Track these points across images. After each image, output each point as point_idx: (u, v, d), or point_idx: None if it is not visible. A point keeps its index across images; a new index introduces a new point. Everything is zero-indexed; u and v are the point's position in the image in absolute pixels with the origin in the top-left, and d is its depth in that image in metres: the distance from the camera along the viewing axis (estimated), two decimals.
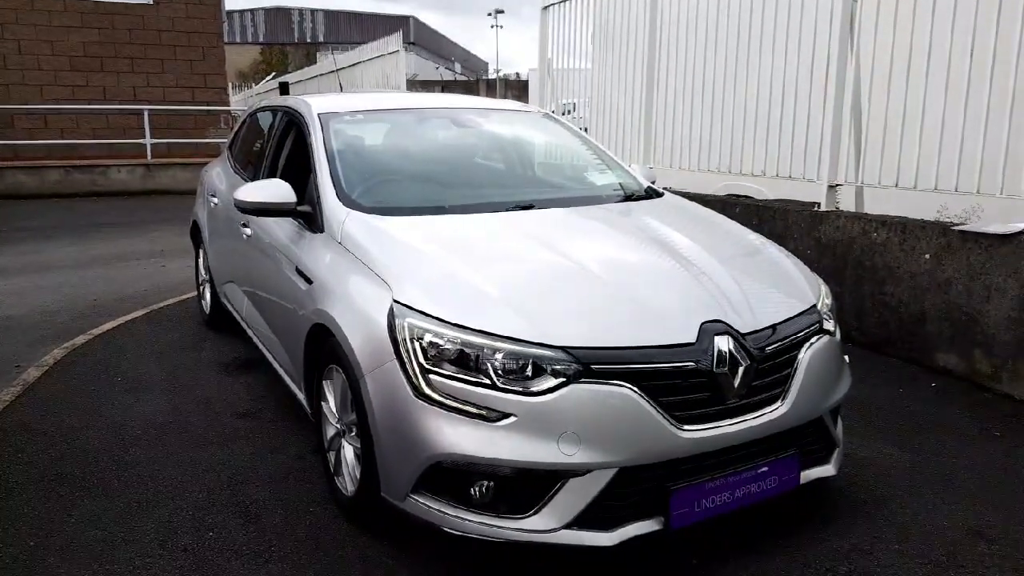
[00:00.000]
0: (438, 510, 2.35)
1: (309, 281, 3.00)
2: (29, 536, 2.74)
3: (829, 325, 2.83)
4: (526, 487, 2.29)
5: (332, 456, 2.93)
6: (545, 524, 2.29)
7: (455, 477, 2.32)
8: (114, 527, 2.81)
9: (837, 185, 5.22)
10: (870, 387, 4.08)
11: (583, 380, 2.27)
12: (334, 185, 3.23)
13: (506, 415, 2.26)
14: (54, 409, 3.87)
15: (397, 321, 2.43)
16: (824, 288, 2.99)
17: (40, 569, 2.55)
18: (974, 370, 4.19)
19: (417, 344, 2.36)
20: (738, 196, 6.29)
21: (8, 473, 3.19)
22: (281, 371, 3.61)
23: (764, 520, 2.79)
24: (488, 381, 2.28)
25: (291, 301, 3.19)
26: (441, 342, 2.33)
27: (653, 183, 4.11)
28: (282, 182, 3.30)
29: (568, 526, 2.30)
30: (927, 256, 4.41)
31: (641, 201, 3.62)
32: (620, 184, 3.78)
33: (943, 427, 3.66)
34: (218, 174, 5.02)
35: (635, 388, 2.29)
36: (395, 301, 2.49)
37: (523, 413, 2.25)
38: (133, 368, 4.51)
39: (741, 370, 2.43)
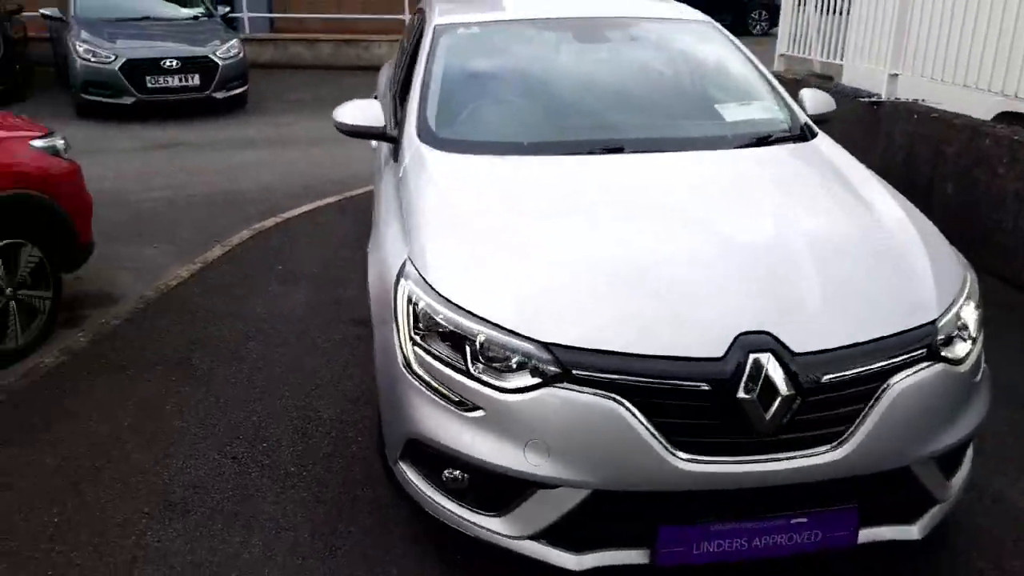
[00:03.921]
0: (416, 485, 2.26)
1: None
2: (124, 417, 3.12)
3: (956, 348, 2.17)
4: (494, 485, 2.10)
5: None
6: (510, 529, 2.10)
7: (431, 457, 2.19)
8: (193, 421, 3.10)
9: None
10: None
11: (561, 384, 1.97)
12: (418, 112, 3.06)
13: (477, 407, 2.06)
14: (212, 292, 4.32)
15: (401, 282, 2.28)
16: (966, 294, 2.28)
17: (118, 453, 2.90)
18: None
19: (412, 312, 2.21)
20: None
21: (142, 352, 3.64)
22: None
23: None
24: (464, 367, 2.07)
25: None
26: (432, 315, 2.15)
27: (827, 115, 3.39)
28: (375, 103, 3.20)
29: (534, 537, 2.08)
30: None
31: (776, 146, 2.99)
32: (760, 121, 3.15)
33: None
34: (386, 78, 5.01)
35: (625, 402, 1.95)
36: (408, 259, 2.33)
37: (492, 409, 2.03)
38: (296, 258, 4.86)
39: (778, 400, 1.95)
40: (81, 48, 8.99)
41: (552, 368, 1.98)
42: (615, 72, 3.45)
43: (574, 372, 1.97)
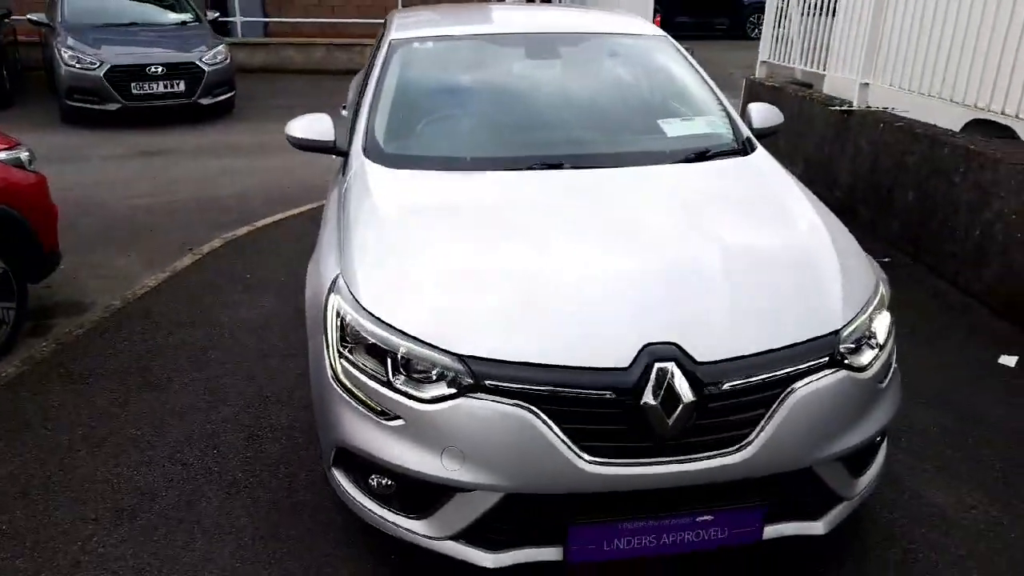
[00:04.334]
0: (347, 491, 2.35)
1: None
2: (79, 425, 3.21)
3: (861, 356, 2.26)
4: (416, 490, 2.19)
5: None
6: (432, 530, 2.20)
7: (359, 464, 2.29)
8: (147, 429, 3.18)
9: None
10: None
11: (475, 395, 2.07)
12: (366, 127, 3.15)
13: (397, 417, 2.15)
14: (178, 301, 4.40)
15: (331, 297, 2.37)
16: (875, 304, 2.37)
17: (70, 461, 2.99)
18: None
19: (339, 324, 2.30)
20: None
21: (103, 361, 3.72)
22: None
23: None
24: (385, 379, 2.16)
25: None
26: (358, 329, 2.23)
27: (773, 128, 3.47)
28: (325, 117, 3.28)
29: (454, 537, 2.18)
30: None
31: (713, 161, 3.07)
32: (701, 136, 3.23)
33: None
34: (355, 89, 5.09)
35: (536, 411, 2.04)
36: (340, 274, 2.42)
37: (411, 419, 2.12)
38: (265, 266, 4.94)
39: (681, 407, 2.04)
40: (66, 54, 9.08)
41: (466, 379, 2.07)
42: (563, 88, 3.54)
43: (486, 382, 2.06)
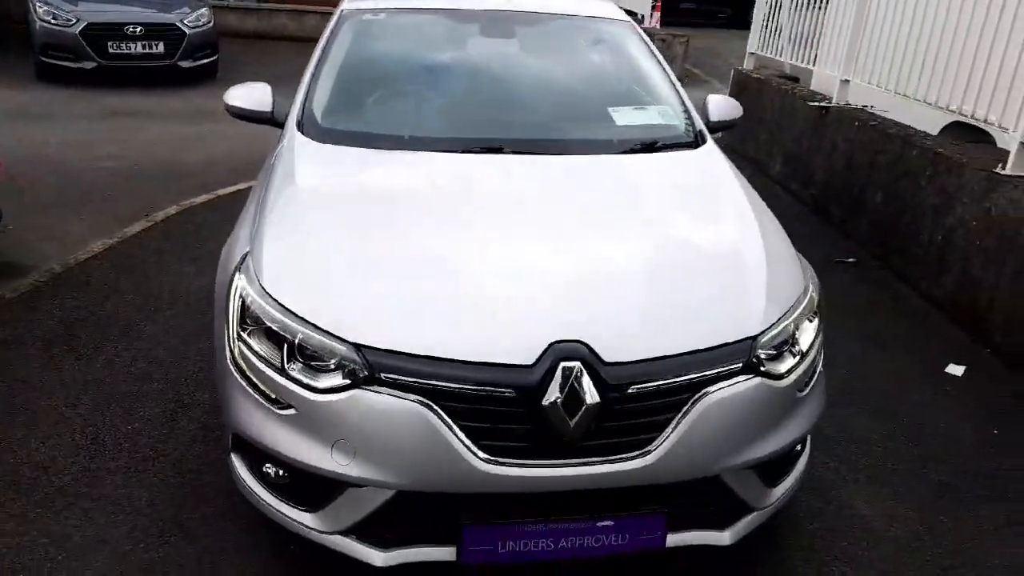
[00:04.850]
0: (242, 477, 2.26)
1: None
2: None
3: (779, 364, 2.17)
4: (308, 482, 2.10)
5: None
6: (322, 524, 2.11)
7: (255, 452, 2.19)
8: (62, 401, 3.09)
9: None
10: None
11: (370, 387, 1.97)
12: (304, 99, 3.03)
13: (289, 406, 2.05)
14: (121, 268, 4.28)
15: (236, 276, 2.27)
16: (800, 311, 2.27)
17: None
18: None
19: (239, 306, 2.19)
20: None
21: (30, 327, 3.62)
22: None
23: None
24: (279, 366, 2.07)
25: None
26: (258, 312, 2.13)
27: (731, 122, 3.37)
28: (266, 86, 3.17)
29: (344, 533, 2.10)
30: None
31: (659, 153, 2.97)
32: (650, 126, 3.12)
33: None
34: None
35: (433, 406, 1.95)
36: (249, 253, 2.32)
37: (303, 409, 2.03)
38: (218, 238, 4.79)
39: (583, 408, 1.95)
40: (41, 9, 8.89)
41: (362, 370, 1.98)
42: (514, 69, 3.41)
43: (382, 375, 1.96)
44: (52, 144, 6.73)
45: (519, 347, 1.99)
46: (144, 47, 9.18)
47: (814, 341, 2.31)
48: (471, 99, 3.19)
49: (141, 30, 9.11)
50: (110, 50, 9.02)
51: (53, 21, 8.85)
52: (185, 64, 9.50)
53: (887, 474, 2.95)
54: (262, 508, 2.21)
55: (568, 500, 2.07)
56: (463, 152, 2.82)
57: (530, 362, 1.97)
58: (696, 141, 3.09)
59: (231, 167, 6.37)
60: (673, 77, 3.45)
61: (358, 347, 1.99)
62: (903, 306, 4.40)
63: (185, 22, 9.45)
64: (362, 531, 2.09)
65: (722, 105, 3.41)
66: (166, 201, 5.45)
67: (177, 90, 9.14)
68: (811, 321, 2.33)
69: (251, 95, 3.12)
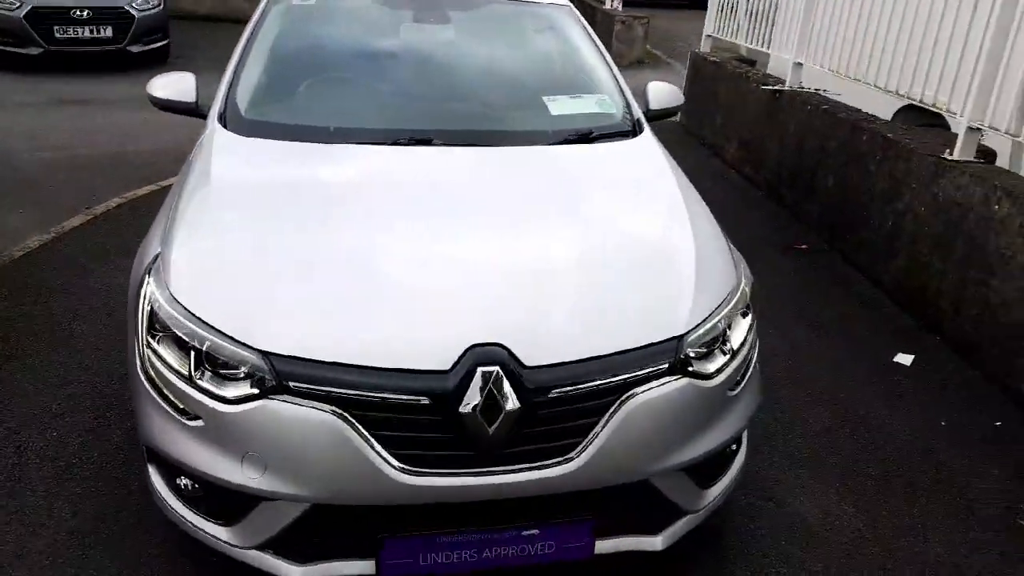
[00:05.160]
0: (158, 489, 2.18)
1: None
2: None
3: (708, 363, 2.13)
4: (221, 496, 2.02)
5: None
6: (237, 539, 2.04)
7: (168, 464, 2.11)
8: None
9: None
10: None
11: (278, 396, 1.89)
12: (226, 90, 2.92)
13: (197, 417, 1.97)
14: (56, 265, 4.15)
15: (145, 280, 2.17)
16: (729, 309, 2.22)
17: None
18: None
19: (148, 311, 2.10)
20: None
21: None
22: None
23: None
24: (186, 374, 1.98)
25: None
26: (166, 318, 2.04)
27: (672, 109, 3.32)
28: (190, 76, 3.06)
29: (260, 547, 2.03)
30: None
31: (594, 144, 2.90)
32: (586, 115, 3.05)
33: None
34: None
35: (346, 416, 1.87)
36: (159, 254, 2.22)
37: (210, 420, 1.95)
38: None
39: (502, 415, 1.89)
40: None
41: (270, 379, 1.90)
42: (447, 57, 3.31)
43: (291, 383, 1.89)
44: None
45: (435, 352, 1.92)
46: (92, 31, 8.93)
47: (746, 338, 2.27)
48: (401, 89, 3.09)
49: (88, 14, 8.84)
50: (56, 35, 8.76)
51: None
52: (135, 49, 9.26)
53: (829, 468, 2.93)
54: (178, 522, 2.14)
55: (493, 509, 2.01)
56: (391, 144, 2.73)
57: (446, 367, 1.90)
58: (634, 130, 3.03)
59: (178, 156, 6.11)
60: (612, 63, 3.38)
61: (266, 355, 1.91)
62: (852, 292, 4.40)
63: (134, 5, 9.20)
64: (278, 546, 2.02)
65: (663, 92, 3.35)
66: (109, 193, 5.30)
67: (125, 76, 8.88)
68: (744, 317, 2.29)
69: (174, 85, 3.01)
